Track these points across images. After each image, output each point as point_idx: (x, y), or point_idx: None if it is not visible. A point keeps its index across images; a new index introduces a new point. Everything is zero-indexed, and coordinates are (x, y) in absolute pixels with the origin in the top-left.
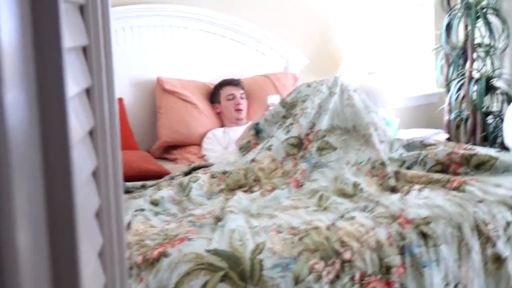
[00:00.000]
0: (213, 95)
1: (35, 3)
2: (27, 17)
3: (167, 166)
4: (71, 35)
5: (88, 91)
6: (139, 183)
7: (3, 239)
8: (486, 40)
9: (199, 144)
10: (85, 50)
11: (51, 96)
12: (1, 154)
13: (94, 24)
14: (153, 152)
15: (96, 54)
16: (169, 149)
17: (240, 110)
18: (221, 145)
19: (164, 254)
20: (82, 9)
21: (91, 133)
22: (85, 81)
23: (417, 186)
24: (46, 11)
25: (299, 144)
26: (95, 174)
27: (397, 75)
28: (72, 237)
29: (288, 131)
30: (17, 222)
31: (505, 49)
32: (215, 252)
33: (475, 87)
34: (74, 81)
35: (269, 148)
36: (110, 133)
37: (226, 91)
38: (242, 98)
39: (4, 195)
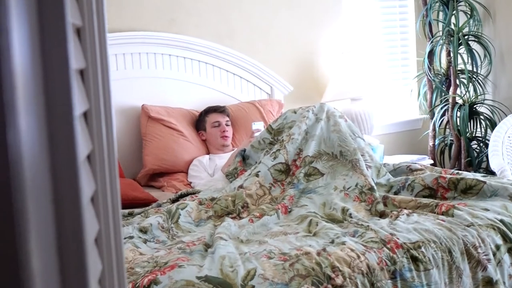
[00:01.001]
0: (199, 122)
1: (44, 27)
2: (36, 42)
3: (153, 193)
4: None
5: (85, 115)
6: (126, 211)
7: (20, 263)
8: (469, 67)
9: (185, 171)
10: (82, 73)
11: (60, 118)
12: (16, 180)
13: (91, 46)
14: (139, 179)
15: (93, 77)
16: (155, 177)
17: (226, 137)
18: (208, 172)
19: (154, 282)
20: (79, 31)
21: (88, 157)
22: (83, 104)
23: (405, 211)
24: (54, 35)
25: (286, 170)
26: (93, 199)
27: (381, 101)
28: (81, 263)
29: (275, 157)
30: (31, 247)
31: (487, 75)
32: (206, 279)
33: (459, 113)
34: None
35: (256, 175)
36: (108, 157)
37: (211, 118)
38: (227, 125)
39: (20, 220)
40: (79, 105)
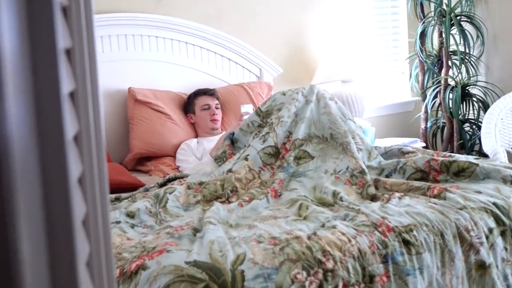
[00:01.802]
0: (187, 105)
1: (31, 6)
2: (24, 20)
3: (141, 177)
4: None
5: (72, 95)
6: (113, 196)
7: (10, 246)
8: (461, 48)
9: (173, 155)
10: (68, 53)
11: (47, 97)
12: (4, 161)
13: (78, 25)
14: (126, 163)
15: (80, 57)
16: (143, 161)
17: (216, 120)
18: (196, 156)
19: (142, 267)
20: (65, 10)
21: (75, 138)
22: (70, 83)
23: (397, 194)
24: (41, 13)
25: (276, 154)
26: (80, 180)
27: (372, 83)
28: (69, 245)
29: (264, 141)
30: (20, 229)
31: (480, 56)
32: (195, 264)
33: (451, 95)
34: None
35: (245, 158)
36: (95, 138)
37: (201, 101)
38: (217, 108)
39: (9, 202)
40: (66, 84)
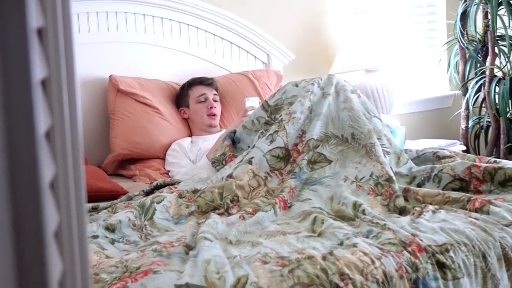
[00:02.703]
0: (180, 97)
1: None
2: None
3: (123, 184)
4: None
5: (44, 83)
6: (90, 205)
7: None
8: (510, 32)
9: (162, 157)
10: (40, 33)
11: (15, 86)
12: None
13: (51, 3)
14: (105, 167)
15: (54, 38)
16: (126, 164)
17: (214, 115)
18: (190, 158)
19: None
20: None
21: (47, 134)
22: (41, 70)
23: (430, 207)
24: None
25: (286, 157)
26: (52, 184)
27: (403, 73)
28: (40, 262)
29: (272, 141)
30: None
31: None
32: None
33: (498, 88)
34: None
35: (249, 162)
36: (71, 134)
37: (196, 91)
38: (215, 101)
39: None
40: (38, 69)
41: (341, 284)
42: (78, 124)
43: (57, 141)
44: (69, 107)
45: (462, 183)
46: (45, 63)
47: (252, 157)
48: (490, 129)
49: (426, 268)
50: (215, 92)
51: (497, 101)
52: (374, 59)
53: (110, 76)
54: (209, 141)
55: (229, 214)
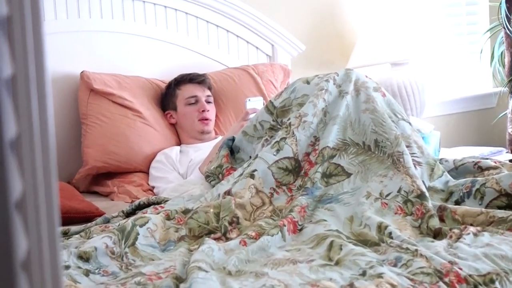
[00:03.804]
0: (167, 98)
1: None
2: None
3: (98, 203)
4: None
5: (9, 83)
6: (59, 229)
7: None
8: None
9: (145, 170)
10: (4, 23)
11: None
12: None
13: None
14: (76, 182)
15: (20, 28)
16: (101, 179)
17: (206, 119)
18: (179, 171)
19: None
20: None
21: (14, 144)
22: (6, 66)
23: (472, 229)
24: None
25: (295, 169)
26: (20, 204)
27: (436, 67)
28: None
29: (278, 150)
30: None
31: None
32: None
33: None
34: None
35: (251, 175)
36: (41, 144)
37: (185, 91)
38: (209, 102)
39: None
40: (3, 66)
41: None
42: (49, 131)
43: (25, 152)
44: (39, 111)
45: (510, 200)
46: (11, 58)
47: (255, 170)
48: None
49: None
50: (209, 93)
51: None
52: (401, 49)
53: (82, 72)
54: (202, 151)
55: (228, 239)
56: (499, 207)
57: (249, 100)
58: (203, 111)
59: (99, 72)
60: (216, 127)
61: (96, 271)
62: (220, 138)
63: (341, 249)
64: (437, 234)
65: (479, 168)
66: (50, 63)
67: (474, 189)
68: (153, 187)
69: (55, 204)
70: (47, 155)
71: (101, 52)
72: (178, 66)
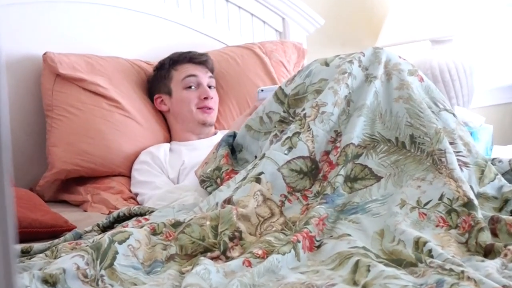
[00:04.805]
0: (157, 80)
1: None
2: None
3: (68, 215)
4: None
5: None
6: (19, 246)
7: None
8: None
9: (126, 174)
10: None
11: None
12: None
13: None
14: (41, 189)
15: None
16: (71, 185)
17: (210, 109)
18: (168, 175)
19: None
20: None
21: None
22: None
23: None
24: None
25: (312, 171)
26: None
27: (486, 46)
28: None
29: (290, 147)
30: None
31: None
32: None
33: None
34: None
35: (257, 179)
36: None
37: (183, 72)
38: (211, 87)
39: None
40: None
41: None
42: (3, 127)
43: None
44: None
45: None
46: None
47: (261, 173)
48: None
49: None
50: (211, 74)
51: None
52: (443, 25)
53: (45, 54)
54: (197, 151)
55: (228, 259)
56: None
57: (262, 90)
58: (205, 98)
59: (66, 52)
60: (216, 122)
61: None
62: (220, 134)
63: (368, 270)
64: (488, 252)
65: None
66: (4, 42)
67: None
68: (136, 195)
69: (10, 216)
70: (3, 158)
71: (69, 28)
72: (166, 44)
